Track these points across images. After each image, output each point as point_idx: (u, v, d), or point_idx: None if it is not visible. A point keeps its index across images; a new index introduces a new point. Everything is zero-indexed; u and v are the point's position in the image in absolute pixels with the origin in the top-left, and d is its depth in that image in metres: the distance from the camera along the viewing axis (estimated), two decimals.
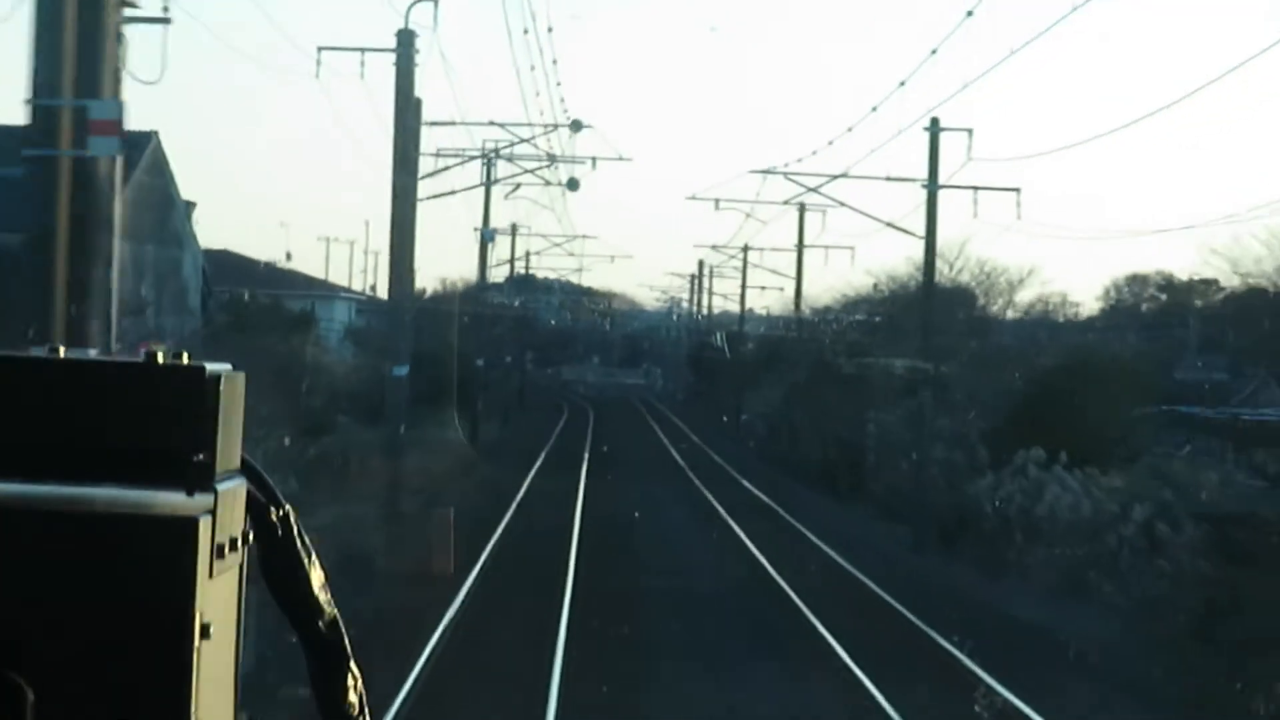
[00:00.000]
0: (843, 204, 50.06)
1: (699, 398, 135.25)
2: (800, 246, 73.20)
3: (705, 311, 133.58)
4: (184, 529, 2.31)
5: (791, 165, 51.42)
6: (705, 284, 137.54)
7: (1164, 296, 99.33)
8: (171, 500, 2.33)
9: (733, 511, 50.34)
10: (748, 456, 78.51)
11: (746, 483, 62.46)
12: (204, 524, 2.33)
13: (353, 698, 2.63)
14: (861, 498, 56.95)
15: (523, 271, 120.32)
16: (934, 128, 44.34)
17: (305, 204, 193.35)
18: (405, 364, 42.91)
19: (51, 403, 2.36)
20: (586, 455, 69.08)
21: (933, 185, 44.39)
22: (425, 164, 44.07)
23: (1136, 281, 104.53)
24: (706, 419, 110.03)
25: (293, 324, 67.91)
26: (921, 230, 45.59)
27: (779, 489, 59.99)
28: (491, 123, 54.26)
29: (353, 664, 2.63)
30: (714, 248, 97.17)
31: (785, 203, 51.35)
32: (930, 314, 45.65)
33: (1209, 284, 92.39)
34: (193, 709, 2.31)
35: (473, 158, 49.02)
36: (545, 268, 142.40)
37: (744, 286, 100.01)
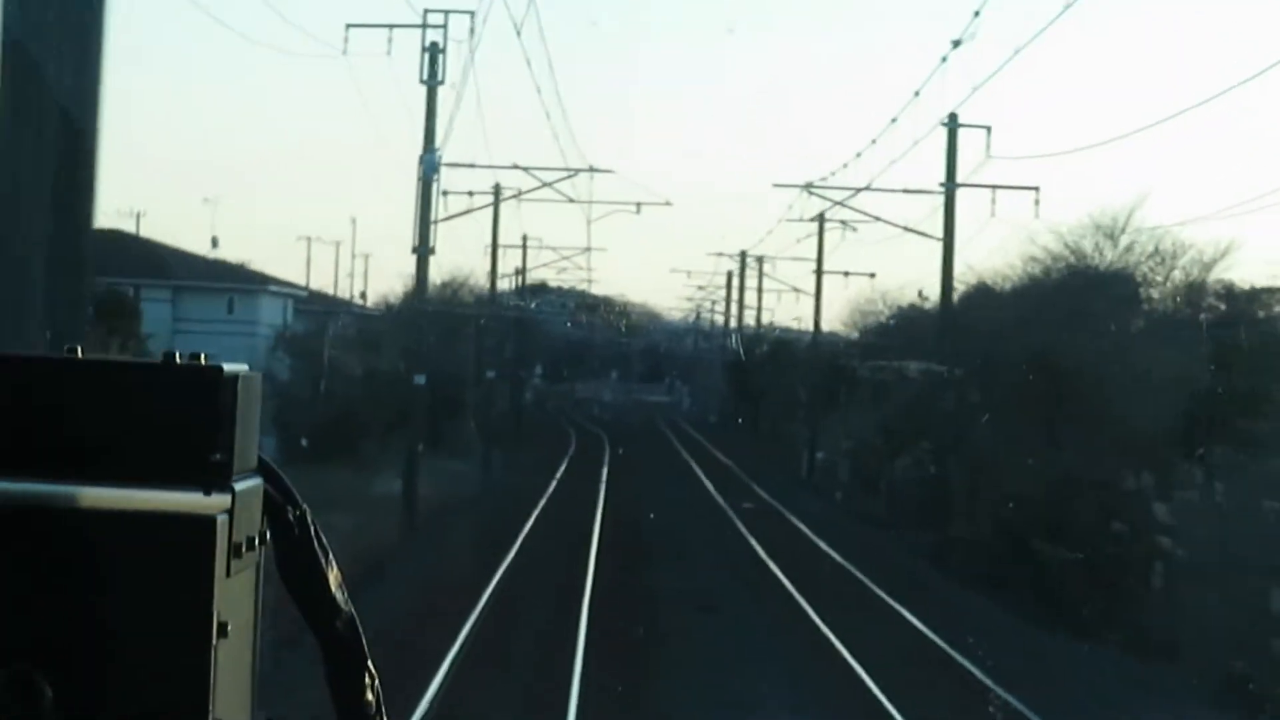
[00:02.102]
0: None
1: (740, 422, 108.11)
2: (950, 183, 44.18)
3: (755, 318, 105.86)
4: (201, 528, 2.32)
5: None
6: (750, 278, 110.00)
7: (1223, 306, 79.70)
8: (189, 499, 2.34)
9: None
10: (847, 526, 50.46)
11: (890, 600, 34.32)
12: (221, 523, 2.34)
13: (369, 696, 2.61)
14: (1128, 641, 29.04)
15: (519, 265, 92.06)
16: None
17: (283, 202, 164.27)
18: None
19: (71, 403, 2.37)
20: (595, 541, 40.79)
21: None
22: None
23: (1194, 290, 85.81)
24: (759, 455, 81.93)
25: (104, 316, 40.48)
26: None
27: (957, 611, 31.90)
28: None
29: (369, 663, 2.61)
30: (809, 188, 63.30)
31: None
32: None
33: (1273, 292, 77.24)
34: (211, 707, 2.31)
35: None
36: (546, 249, 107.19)
37: (820, 270, 71.43)
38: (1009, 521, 38.20)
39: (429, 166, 39.67)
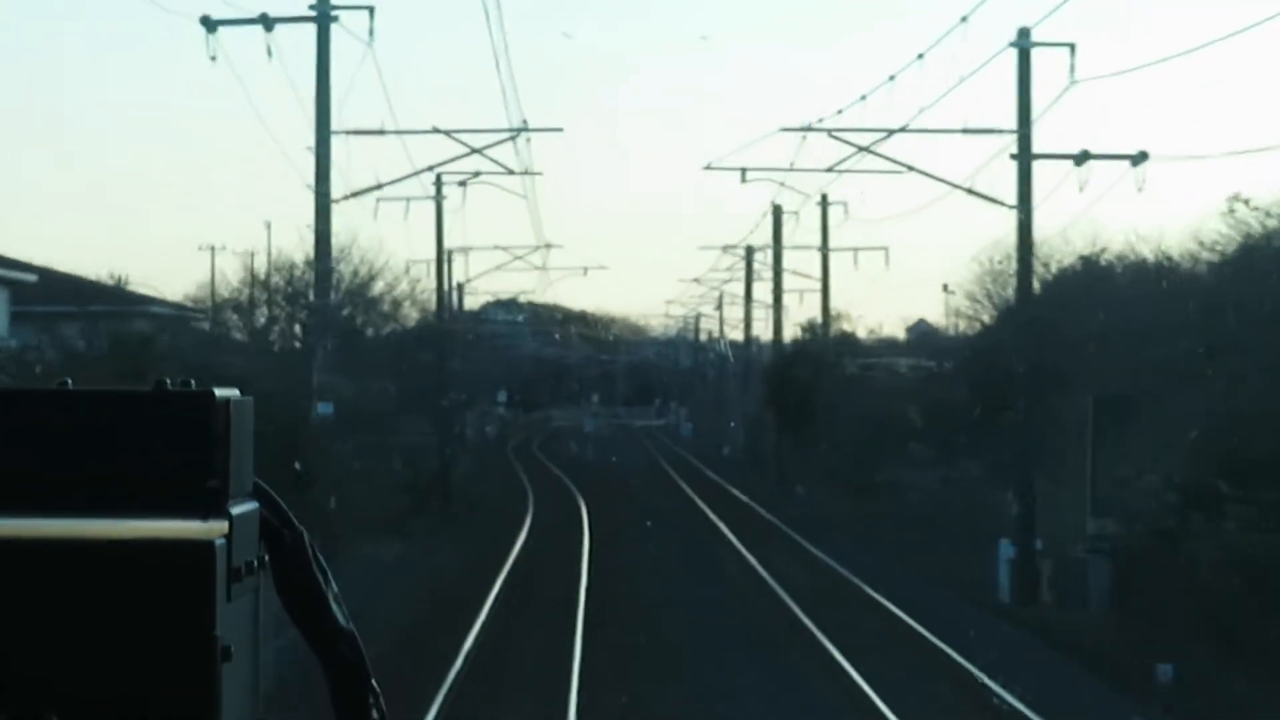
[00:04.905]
0: None
1: (779, 457, 71.27)
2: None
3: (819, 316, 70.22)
4: (200, 554, 2.31)
5: None
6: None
7: None
8: (186, 526, 2.32)
9: None
10: None
11: None
12: (220, 548, 2.33)
13: (374, 715, 2.58)
14: None
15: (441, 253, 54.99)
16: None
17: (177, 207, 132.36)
18: None
19: (64, 434, 2.34)
20: None
21: None
22: None
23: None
24: (870, 533, 43.88)
25: None
26: None
27: None
28: None
29: (373, 681, 2.59)
30: (830, 132, 36.66)
31: None
32: None
33: None
34: None
35: None
36: (497, 249, 69.47)
37: None
38: None
39: None
